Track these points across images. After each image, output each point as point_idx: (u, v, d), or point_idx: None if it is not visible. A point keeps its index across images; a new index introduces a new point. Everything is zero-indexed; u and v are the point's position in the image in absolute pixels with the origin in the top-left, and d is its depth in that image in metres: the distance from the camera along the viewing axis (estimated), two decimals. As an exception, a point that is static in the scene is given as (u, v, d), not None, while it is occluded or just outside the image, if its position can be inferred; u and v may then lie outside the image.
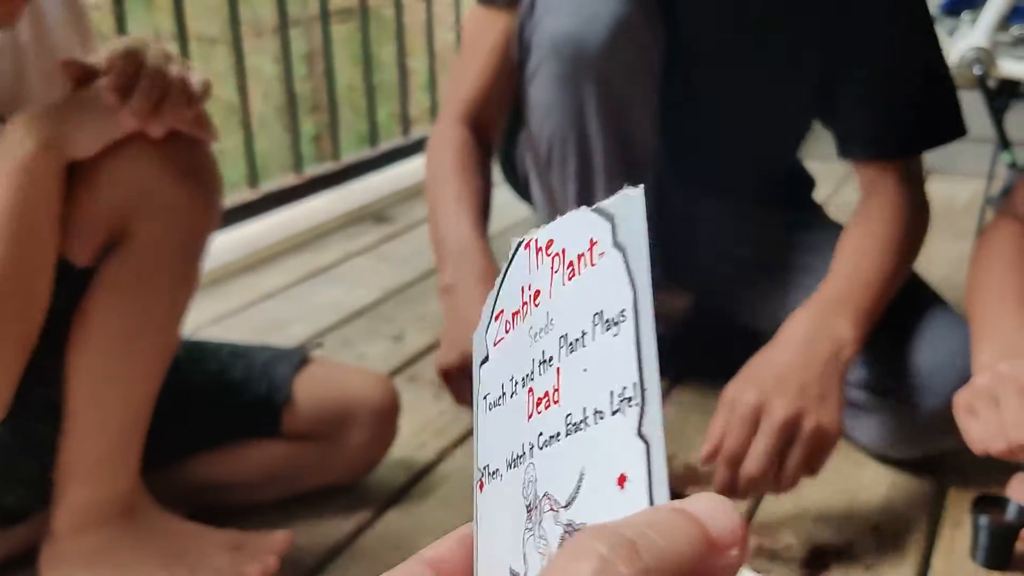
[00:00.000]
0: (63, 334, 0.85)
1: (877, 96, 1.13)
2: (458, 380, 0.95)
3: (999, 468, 1.07)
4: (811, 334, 0.97)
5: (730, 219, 1.27)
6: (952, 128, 1.17)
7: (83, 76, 0.82)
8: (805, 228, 1.27)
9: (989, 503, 0.96)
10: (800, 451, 0.91)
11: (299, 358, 1.04)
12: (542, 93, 1.03)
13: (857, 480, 1.11)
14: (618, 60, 1.00)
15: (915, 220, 1.13)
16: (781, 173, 1.32)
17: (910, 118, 1.15)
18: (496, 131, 1.16)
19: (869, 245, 1.08)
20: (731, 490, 0.90)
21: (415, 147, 2.35)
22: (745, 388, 0.92)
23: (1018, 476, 1.01)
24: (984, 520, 0.94)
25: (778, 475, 0.91)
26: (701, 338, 1.35)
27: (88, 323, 0.85)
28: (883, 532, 1.01)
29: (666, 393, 1.28)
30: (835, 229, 1.24)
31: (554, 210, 1.12)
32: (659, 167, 1.17)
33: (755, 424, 0.90)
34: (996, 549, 0.95)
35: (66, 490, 0.87)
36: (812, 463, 0.92)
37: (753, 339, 1.27)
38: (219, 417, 1.01)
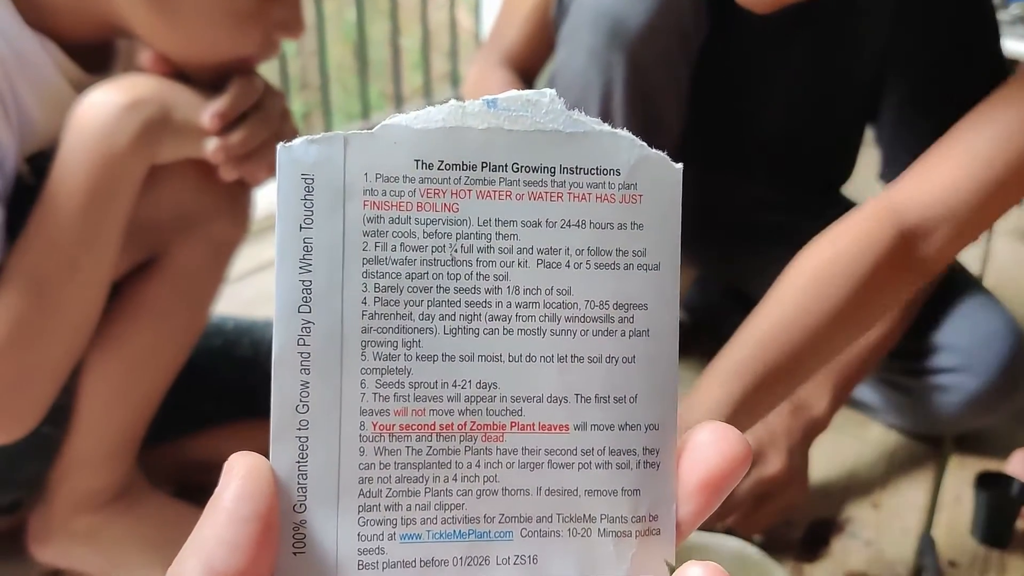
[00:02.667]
0: None
1: (922, 121, 1.05)
2: None
3: (999, 442, 1.07)
4: (792, 403, 0.94)
5: (753, 199, 1.24)
6: None
7: (169, 74, 0.77)
8: (833, 214, 1.24)
9: (991, 480, 0.95)
10: (768, 511, 0.90)
11: None
12: (572, 61, 1.00)
13: (856, 456, 1.10)
14: (655, 45, 0.96)
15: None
16: (821, 168, 1.26)
17: None
18: (537, 79, 1.14)
19: None
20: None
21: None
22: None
23: (1019, 452, 1.01)
24: (985, 496, 0.94)
25: (741, 518, 0.90)
26: (702, 314, 1.34)
27: (111, 341, 0.82)
28: (883, 508, 1.01)
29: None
30: None
31: None
32: (684, 145, 1.14)
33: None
34: (998, 526, 0.94)
35: (64, 479, 0.85)
36: (768, 524, 0.92)
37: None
38: (224, 394, 0.99)
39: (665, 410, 0.26)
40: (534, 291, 0.25)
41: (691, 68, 1.04)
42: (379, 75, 2.56)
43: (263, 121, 0.77)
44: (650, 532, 0.25)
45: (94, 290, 0.76)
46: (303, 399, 0.24)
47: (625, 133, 0.25)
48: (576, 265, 0.25)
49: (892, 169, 1.08)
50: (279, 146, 0.24)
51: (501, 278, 0.25)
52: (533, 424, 0.25)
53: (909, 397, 1.10)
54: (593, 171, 0.25)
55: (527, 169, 0.25)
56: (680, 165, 0.26)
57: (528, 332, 0.25)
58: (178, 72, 0.77)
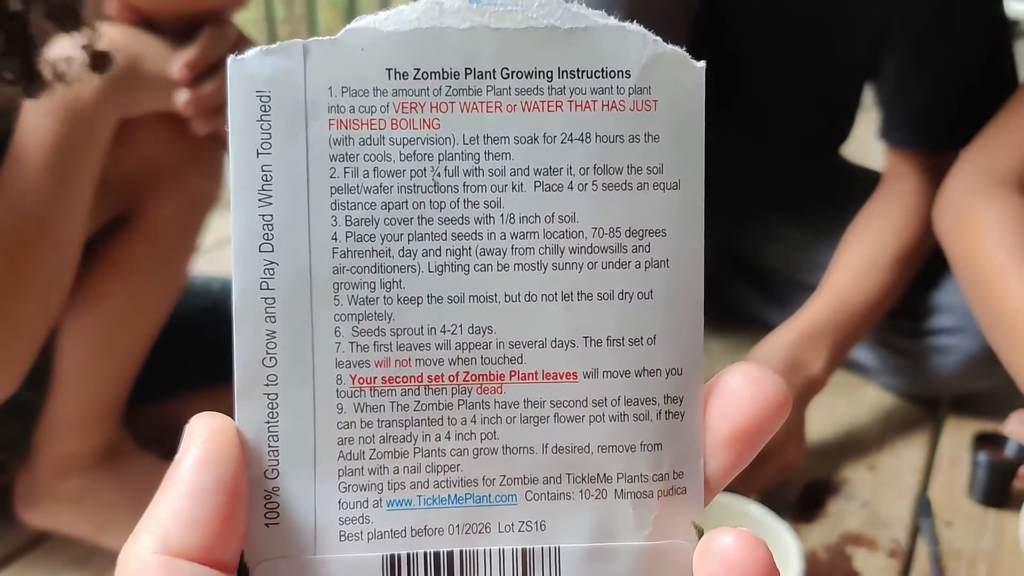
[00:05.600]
0: None
1: (924, 79, 1.04)
2: None
3: (996, 405, 1.07)
4: (788, 362, 0.93)
5: (753, 156, 1.23)
6: None
7: (137, 22, 0.75)
8: (832, 175, 1.23)
9: (988, 440, 0.95)
10: (764, 472, 0.89)
11: None
12: None
13: (852, 418, 1.09)
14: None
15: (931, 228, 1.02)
16: (821, 126, 1.24)
17: (959, 109, 1.03)
18: None
19: (872, 259, 1.00)
20: None
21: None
22: None
23: (1016, 414, 1.00)
24: (983, 457, 0.93)
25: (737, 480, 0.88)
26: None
27: (87, 300, 0.80)
28: (879, 469, 1.00)
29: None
30: (859, 178, 1.20)
31: None
32: None
33: None
34: (994, 487, 0.94)
35: (48, 441, 0.84)
36: (764, 486, 0.90)
37: (757, 279, 1.26)
38: (210, 354, 0.97)
39: (689, 352, 0.22)
40: (532, 219, 0.22)
41: (690, 23, 1.02)
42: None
43: None
44: (674, 491, 0.22)
45: (66, 249, 0.74)
46: (269, 351, 0.21)
47: (635, 27, 0.22)
48: (580, 187, 0.22)
49: (892, 127, 1.07)
50: (229, 60, 0.21)
51: (493, 205, 0.21)
52: (536, 372, 0.22)
53: (906, 358, 1.09)
54: (598, 74, 0.21)
55: (519, 75, 0.21)
56: (703, 63, 0.22)
57: (527, 267, 0.22)
58: (146, 21, 0.75)
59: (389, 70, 0.21)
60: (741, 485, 0.87)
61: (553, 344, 0.22)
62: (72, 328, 0.80)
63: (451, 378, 0.22)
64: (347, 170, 0.21)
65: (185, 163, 0.81)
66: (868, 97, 1.18)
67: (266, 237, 0.21)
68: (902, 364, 1.10)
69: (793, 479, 0.95)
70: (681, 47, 0.22)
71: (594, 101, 0.22)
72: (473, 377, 0.22)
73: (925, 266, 1.05)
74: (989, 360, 1.03)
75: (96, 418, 0.84)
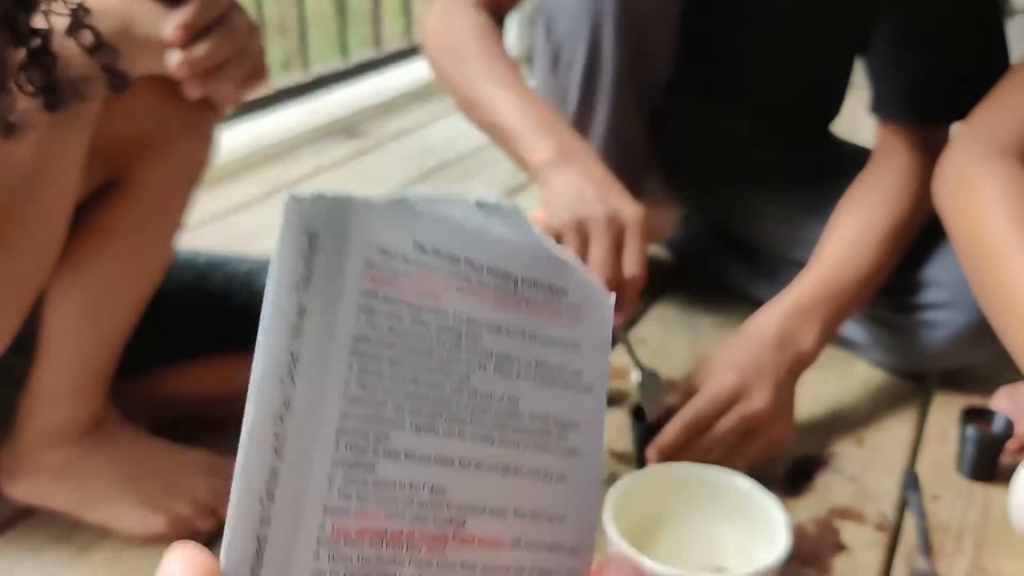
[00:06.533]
0: None
1: (914, 53, 1.04)
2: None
3: (983, 380, 1.07)
4: (780, 337, 0.92)
5: (744, 134, 1.22)
6: None
7: None
8: (822, 151, 1.23)
9: (976, 415, 0.95)
10: (753, 447, 0.89)
11: None
12: None
13: (841, 393, 1.09)
14: None
15: (923, 200, 1.00)
16: (811, 102, 1.23)
17: (949, 83, 1.03)
18: (509, 13, 1.05)
19: (863, 234, 1.00)
20: (678, 448, 0.86)
21: (388, 60, 2.29)
22: (725, 371, 0.89)
23: (1004, 388, 1.00)
24: (971, 432, 0.93)
25: (725, 454, 0.87)
26: (687, 252, 1.32)
27: (75, 266, 0.79)
28: (867, 443, 1.00)
29: (647, 309, 1.26)
30: (850, 154, 1.19)
31: (554, 102, 1.04)
32: (673, 81, 1.10)
33: (729, 404, 0.87)
34: (982, 461, 0.94)
35: (34, 412, 0.83)
36: (753, 460, 0.89)
37: (747, 255, 1.25)
38: (196, 328, 0.96)
39: (587, 533, 0.26)
40: (488, 397, 0.25)
41: (680, 3, 1.02)
42: (358, 20, 2.51)
43: (228, 35, 0.74)
44: None
45: (56, 213, 0.73)
46: (269, 489, 0.22)
47: (577, 260, 0.27)
48: (526, 377, 0.25)
49: (882, 101, 1.07)
50: (286, 196, 0.22)
51: (463, 379, 0.24)
52: (473, 538, 0.25)
53: (895, 333, 1.09)
54: (548, 288, 0.26)
55: (496, 273, 0.25)
56: (613, 295, 0.27)
57: (479, 438, 0.24)
58: None
59: (416, 243, 0.24)
60: (728, 460, 0.87)
61: (491, 512, 0.25)
62: (60, 294, 0.79)
63: (408, 535, 0.24)
64: (368, 322, 0.23)
65: (176, 128, 0.80)
66: (859, 75, 1.18)
67: (290, 370, 0.22)
68: (891, 339, 1.10)
69: (782, 454, 0.95)
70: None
71: (544, 308, 0.26)
72: (424, 537, 0.24)
73: (915, 241, 1.05)
74: (978, 335, 1.03)
75: (83, 389, 0.83)
